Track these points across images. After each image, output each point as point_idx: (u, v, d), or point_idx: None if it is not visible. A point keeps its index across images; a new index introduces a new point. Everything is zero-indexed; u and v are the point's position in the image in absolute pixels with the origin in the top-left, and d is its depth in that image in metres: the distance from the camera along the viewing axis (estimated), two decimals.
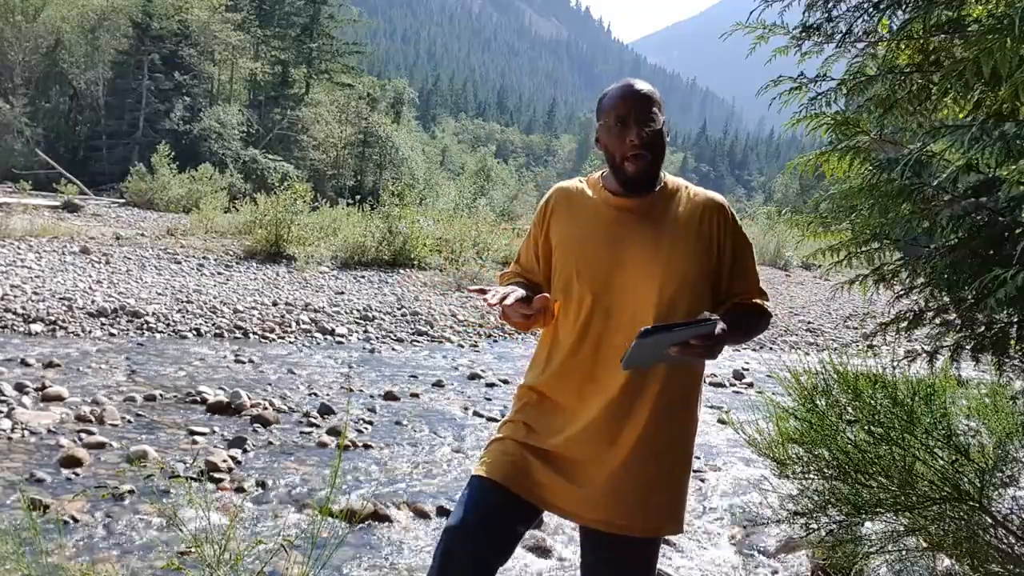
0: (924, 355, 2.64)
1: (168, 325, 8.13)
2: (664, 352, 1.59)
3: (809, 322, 13.13)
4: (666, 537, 2.33)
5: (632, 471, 1.72)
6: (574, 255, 1.79)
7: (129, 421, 4.94)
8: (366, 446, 4.82)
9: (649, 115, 1.72)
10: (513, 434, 1.82)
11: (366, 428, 5.22)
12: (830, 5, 2.51)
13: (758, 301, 1.86)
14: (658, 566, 1.89)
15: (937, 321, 2.56)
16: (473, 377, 7.13)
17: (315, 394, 6.03)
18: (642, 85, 1.75)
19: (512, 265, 1.99)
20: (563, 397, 1.79)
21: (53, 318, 7.76)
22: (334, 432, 4.98)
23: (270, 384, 6.24)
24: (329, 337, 8.53)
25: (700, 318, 1.60)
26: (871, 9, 2.44)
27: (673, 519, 1.79)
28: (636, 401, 1.72)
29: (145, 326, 7.99)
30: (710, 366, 5.23)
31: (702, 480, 4.66)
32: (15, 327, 7.41)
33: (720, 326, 1.57)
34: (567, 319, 1.80)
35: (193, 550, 2.40)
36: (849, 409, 2.71)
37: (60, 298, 8.61)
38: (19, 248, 12.13)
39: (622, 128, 1.72)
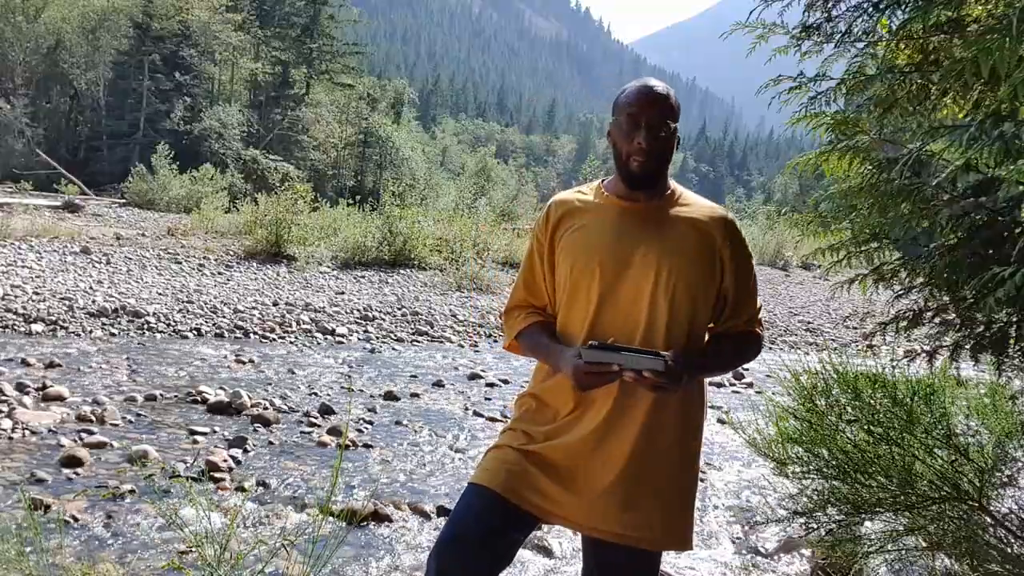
0: (923, 355, 2.64)
1: (169, 325, 8.14)
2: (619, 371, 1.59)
3: (809, 322, 13.12)
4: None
5: (625, 483, 1.71)
6: (584, 254, 1.77)
7: (130, 421, 4.94)
8: (366, 446, 4.82)
9: (661, 121, 1.72)
10: (511, 442, 1.80)
11: (366, 428, 5.22)
12: (830, 5, 2.51)
13: (750, 329, 1.86)
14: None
15: (936, 321, 2.56)
16: (473, 377, 7.13)
17: (315, 394, 6.03)
18: (661, 89, 1.74)
19: (515, 300, 1.94)
20: (561, 404, 1.78)
21: (54, 318, 7.76)
22: (334, 432, 4.99)
23: (270, 384, 6.24)
24: (329, 337, 8.53)
25: (652, 351, 1.59)
26: (871, 9, 2.44)
27: (670, 533, 1.76)
28: (628, 413, 1.71)
29: (146, 326, 7.99)
30: None
31: (702, 480, 4.66)
32: (16, 327, 7.42)
33: (671, 363, 1.57)
34: (574, 319, 1.79)
35: (193, 550, 2.40)
36: (849, 409, 2.72)
37: (61, 298, 8.62)
38: (20, 248, 12.14)
39: (633, 129, 1.72)
